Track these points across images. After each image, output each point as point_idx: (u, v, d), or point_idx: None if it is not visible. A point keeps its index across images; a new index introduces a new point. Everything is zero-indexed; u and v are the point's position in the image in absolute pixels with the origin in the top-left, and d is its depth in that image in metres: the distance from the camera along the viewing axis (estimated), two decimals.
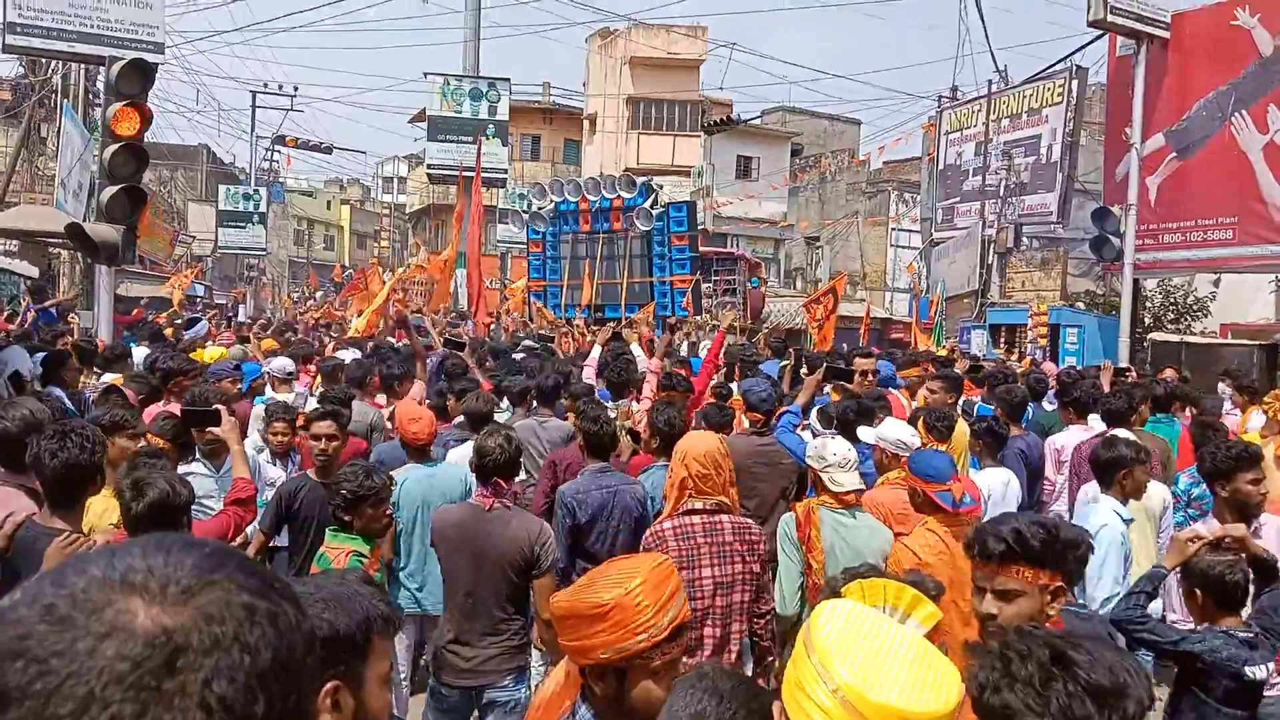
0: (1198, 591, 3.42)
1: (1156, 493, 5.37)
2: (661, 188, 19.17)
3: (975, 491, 4.17)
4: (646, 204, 17.24)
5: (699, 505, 3.83)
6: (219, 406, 4.40)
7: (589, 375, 8.01)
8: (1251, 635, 3.27)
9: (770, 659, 3.90)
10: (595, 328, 12.14)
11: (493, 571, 3.95)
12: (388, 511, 3.91)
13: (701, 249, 20.31)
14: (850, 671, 1.52)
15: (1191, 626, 3.61)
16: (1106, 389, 8.24)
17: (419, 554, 4.81)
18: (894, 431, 5.06)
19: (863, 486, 4.39)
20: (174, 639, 0.72)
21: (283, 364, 8.21)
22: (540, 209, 18.81)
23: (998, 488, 5.60)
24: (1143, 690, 1.63)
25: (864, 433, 5.53)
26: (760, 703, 1.81)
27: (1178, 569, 3.51)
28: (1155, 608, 3.80)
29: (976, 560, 2.56)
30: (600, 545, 4.63)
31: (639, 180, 18.04)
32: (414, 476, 4.90)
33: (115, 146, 9.95)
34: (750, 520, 4.04)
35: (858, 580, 1.99)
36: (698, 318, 17.33)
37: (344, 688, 1.52)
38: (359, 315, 14.70)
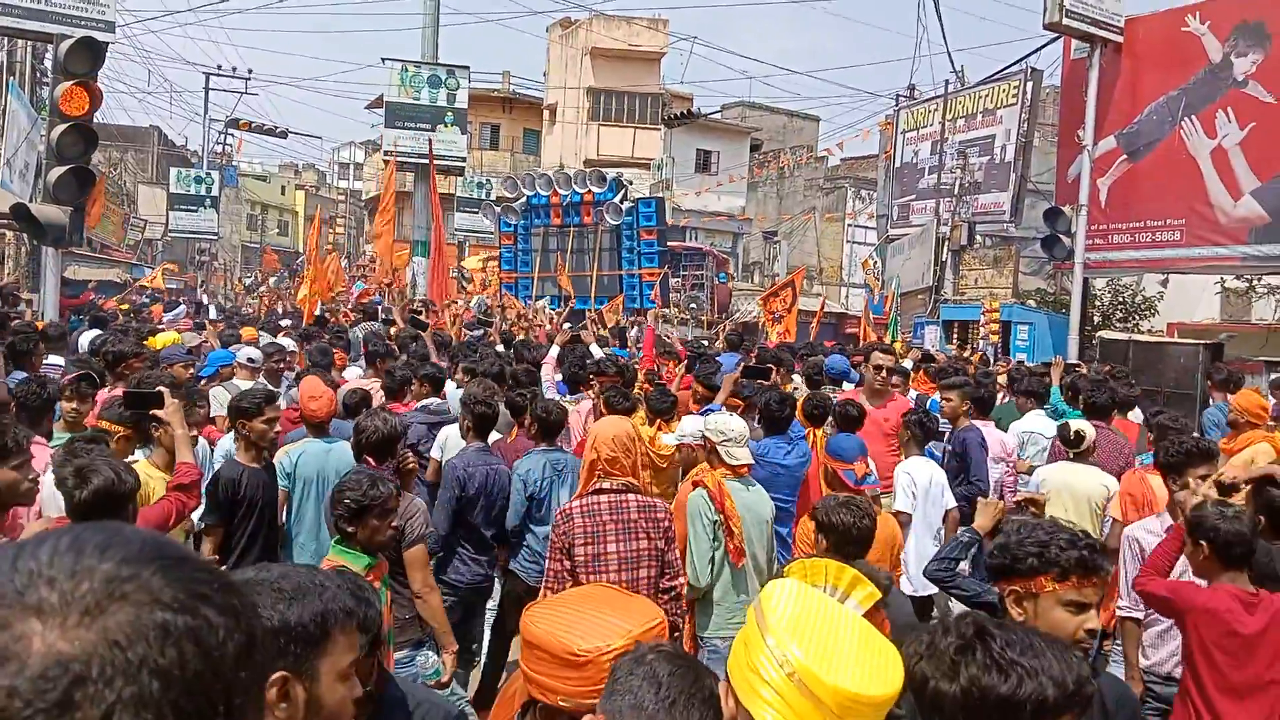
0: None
1: (1098, 480, 5.74)
2: (631, 183, 19.77)
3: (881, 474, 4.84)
4: (616, 199, 17.84)
5: (606, 485, 4.10)
6: (162, 389, 4.30)
7: (548, 372, 8.05)
8: None
9: (677, 634, 4.09)
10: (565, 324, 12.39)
11: None
12: (394, 525, 3.67)
13: (671, 245, 21.12)
14: (804, 654, 1.53)
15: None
16: (1057, 383, 8.61)
17: (311, 524, 5.00)
18: (693, 425, 5.22)
19: (751, 461, 4.80)
20: (72, 669, 0.64)
21: (250, 353, 8.13)
22: (511, 201, 19.34)
23: (921, 477, 5.85)
24: (1068, 675, 1.57)
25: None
26: (701, 686, 1.78)
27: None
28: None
29: (1078, 577, 2.28)
30: (480, 519, 5.11)
31: (609, 176, 18.58)
32: (310, 450, 5.13)
33: (63, 126, 9.75)
34: (657, 500, 4.35)
35: (797, 561, 1.98)
36: (665, 310, 18.15)
37: (293, 679, 1.48)
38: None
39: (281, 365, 8.29)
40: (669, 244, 20.16)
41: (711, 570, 4.42)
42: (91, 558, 0.69)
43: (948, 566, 3.53)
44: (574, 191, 18.33)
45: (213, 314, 15.63)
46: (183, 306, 17.18)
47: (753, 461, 4.81)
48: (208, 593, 0.71)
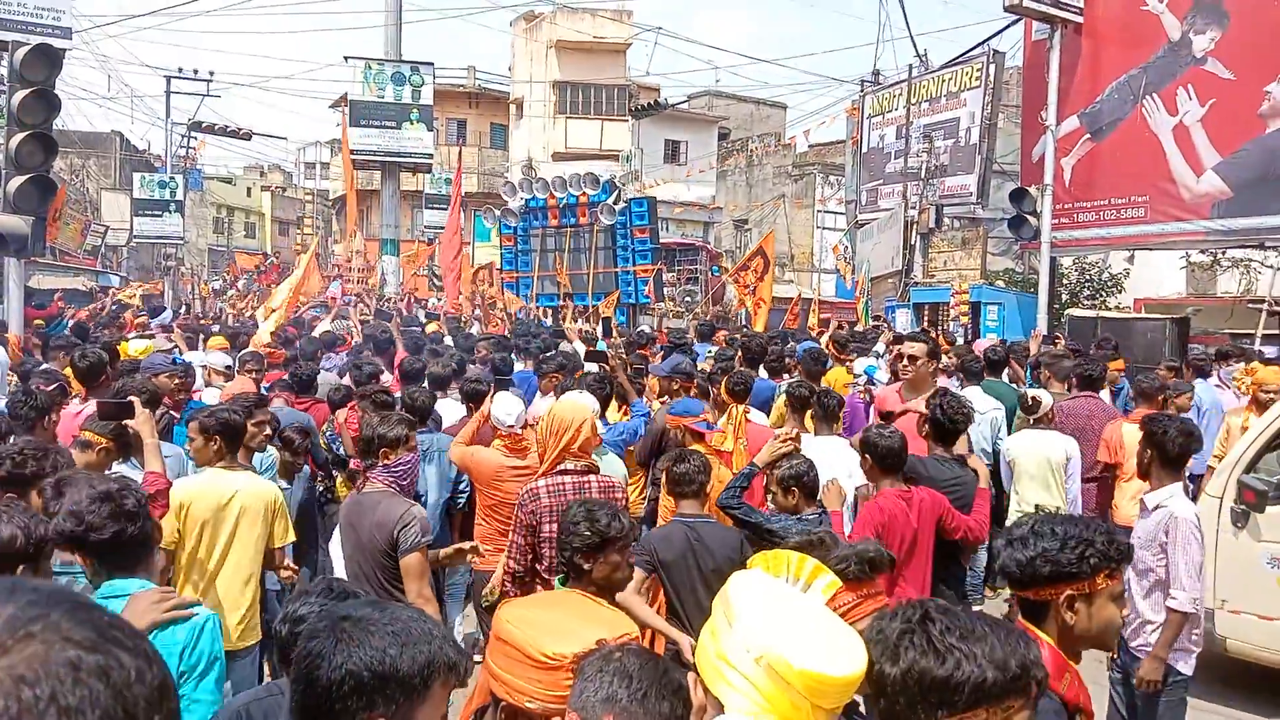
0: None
1: (1059, 444, 6.45)
2: (624, 185, 20.97)
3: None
4: (610, 200, 18.84)
5: (570, 466, 4.38)
6: (133, 399, 4.31)
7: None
8: (816, 515, 4.41)
9: None
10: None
11: (366, 552, 4.09)
12: (632, 559, 3.36)
13: (665, 241, 22.62)
14: (771, 640, 1.56)
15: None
16: (1036, 355, 9.04)
17: None
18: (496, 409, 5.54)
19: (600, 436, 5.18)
20: None
21: (221, 358, 8.08)
22: (507, 205, 20.55)
23: (830, 454, 5.79)
24: (1011, 658, 1.58)
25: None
26: (669, 678, 1.82)
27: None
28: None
29: (1119, 568, 2.28)
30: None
31: (603, 178, 19.60)
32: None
33: (22, 135, 9.64)
34: (616, 480, 4.80)
35: (760, 553, 2.00)
36: (660, 304, 19.36)
37: None
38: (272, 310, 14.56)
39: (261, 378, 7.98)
40: (661, 240, 21.12)
41: None
42: (1, 599, 0.66)
43: (733, 494, 4.39)
44: (570, 194, 19.31)
45: (167, 318, 15.37)
46: (169, 310, 17.04)
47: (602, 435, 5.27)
48: (119, 636, 0.68)
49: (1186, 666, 4.29)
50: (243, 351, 9.10)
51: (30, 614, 0.66)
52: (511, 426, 5.36)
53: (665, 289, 22.36)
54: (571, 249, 19.44)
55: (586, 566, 3.01)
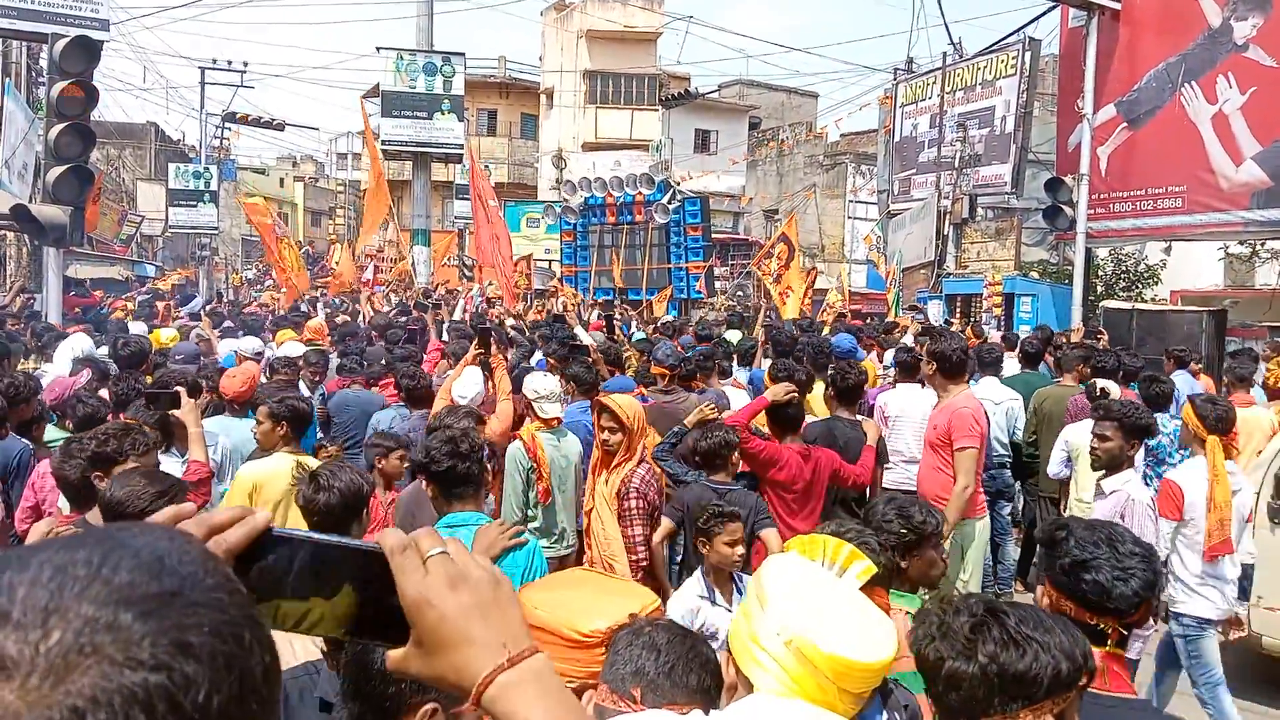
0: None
1: None
2: (679, 183, 21.93)
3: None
4: (665, 199, 19.85)
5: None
6: (179, 389, 4.38)
7: None
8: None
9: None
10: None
11: None
12: (946, 557, 3.26)
13: (719, 236, 24.11)
14: (801, 624, 1.58)
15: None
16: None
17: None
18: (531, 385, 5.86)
19: (560, 415, 5.69)
20: None
21: (251, 343, 8.20)
22: (568, 202, 21.80)
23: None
24: (1076, 649, 1.62)
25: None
26: (697, 653, 1.87)
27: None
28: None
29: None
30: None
31: (658, 179, 20.60)
32: (237, 427, 5.63)
33: (61, 126, 9.76)
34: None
35: (796, 537, 2.02)
36: (712, 299, 20.53)
37: (441, 712, 1.51)
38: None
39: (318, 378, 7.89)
40: (715, 236, 22.24)
41: (527, 508, 5.25)
42: (72, 590, 0.62)
43: (663, 450, 5.11)
44: (626, 193, 20.33)
45: (196, 305, 15.55)
46: (199, 298, 17.29)
47: (560, 415, 5.69)
48: (192, 640, 0.62)
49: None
50: (307, 350, 8.99)
51: (103, 617, 0.61)
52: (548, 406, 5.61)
53: (718, 283, 23.47)
54: (627, 245, 20.45)
55: (904, 565, 2.92)
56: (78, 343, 7.54)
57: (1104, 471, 4.96)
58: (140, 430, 3.73)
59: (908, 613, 2.66)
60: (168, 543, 0.68)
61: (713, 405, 5.41)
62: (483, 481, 3.59)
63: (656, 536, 4.74)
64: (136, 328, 9.46)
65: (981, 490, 5.71)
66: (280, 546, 0.86)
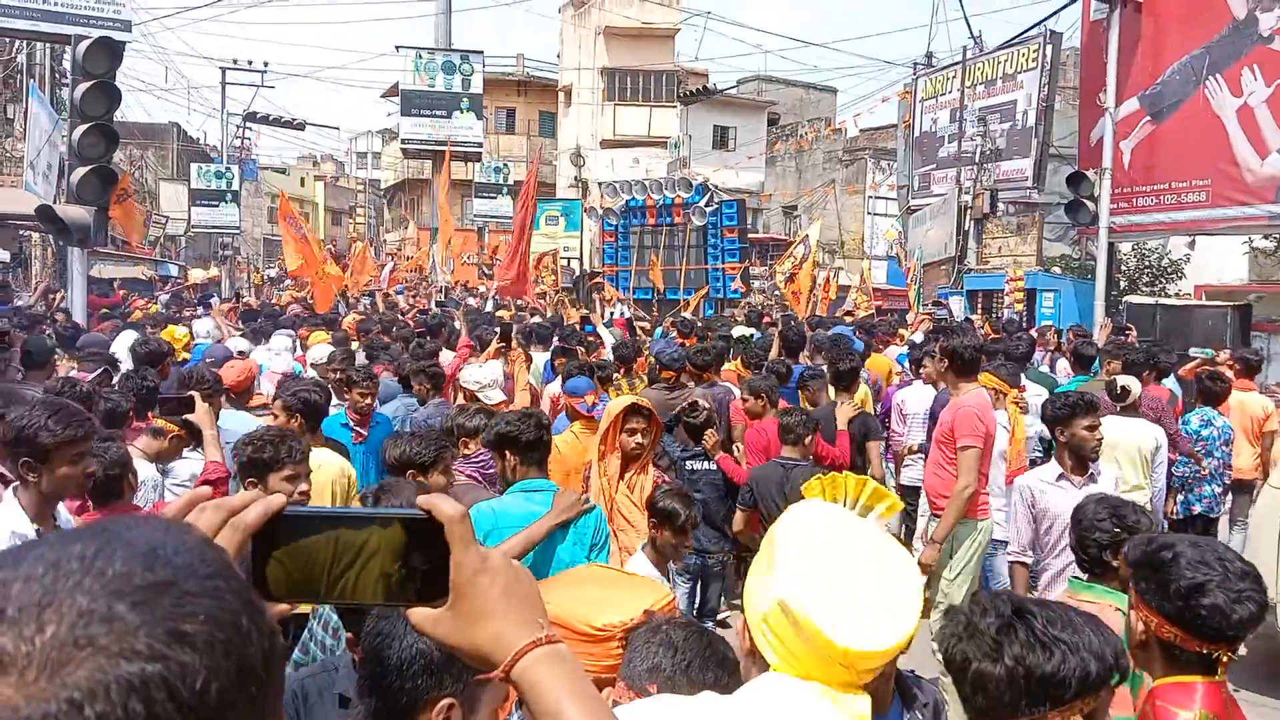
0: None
1: (1147, 432, 6.31)
2: (716, 187, 22.49)
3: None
4: (702, 202, 20.49)
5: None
6: (192, 393, 4.36)
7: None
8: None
9: None
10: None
11: None
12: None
13: (757, 237, 25.44)
14: (811, 604, 1.46)
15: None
16: (1103, 345, 9.30)
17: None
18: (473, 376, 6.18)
19: (505, 399, 6.03)
20: None
21: (323, 349, 8.27)
22: (612, 205, 22.62)
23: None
24: (1106, 649, 1.60)
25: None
26: (714, 650, 1.87)
27: None
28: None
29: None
30: None
31: (695, 182, 21.42)
32: (239, 418, 5.69)
33: (84, 127, 9.83)
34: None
35: (816, 478, 1.88)
36: (749, 298, 21.04)
37: (457, 706, 1.53)
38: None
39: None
40: (752, 237, 23.10)
41: None
42: (66, 584, 0.61)
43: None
44: (665, 196, 21.14)
45: (214, 300, 15.75)
46: (217, 298, 17.48)
47: (504, 398, 5.94)
48: (188, 629, 0.62)
49: None
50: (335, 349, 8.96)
51: (99, 609, 0.61)
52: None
53: (754, 282, 24.25)
54: (666, 246, 21.08)
55: (1115, 564, 2.84)
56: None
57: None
58: (295, 438, 3.67)
59: (1119, 609, 2.60)
60: (163, 534, 0.68)
61: (688, 396, 6.16)
62: (549, 452, 3.99)
63: (737, 526, 5.29)
64: (127, 335, 9.41)
65: (985, 491, 5.51)
66: (300, 524, 0.90)
